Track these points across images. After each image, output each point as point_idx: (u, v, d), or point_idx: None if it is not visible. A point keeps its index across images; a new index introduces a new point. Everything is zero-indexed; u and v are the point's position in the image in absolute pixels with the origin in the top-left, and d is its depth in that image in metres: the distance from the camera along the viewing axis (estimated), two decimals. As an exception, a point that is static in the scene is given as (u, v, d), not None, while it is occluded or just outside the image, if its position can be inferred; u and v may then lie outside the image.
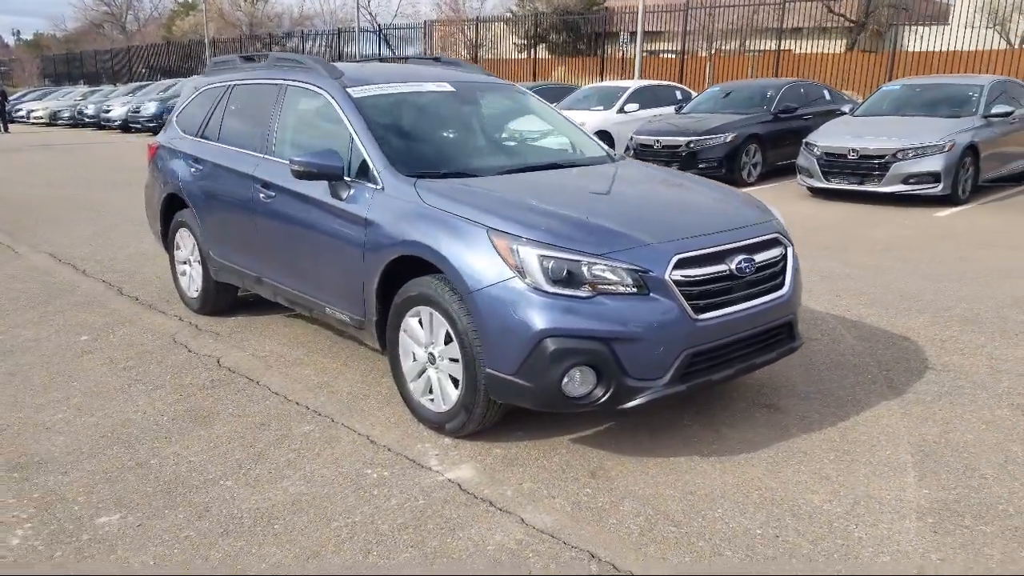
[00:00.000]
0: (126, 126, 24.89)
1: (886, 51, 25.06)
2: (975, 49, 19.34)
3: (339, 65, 4.44)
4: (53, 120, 30.15)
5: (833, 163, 9.62)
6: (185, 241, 5.35)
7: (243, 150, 4.66)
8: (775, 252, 3.49)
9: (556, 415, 3.57)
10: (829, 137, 9.89)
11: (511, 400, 3.19)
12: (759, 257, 3.37)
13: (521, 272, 3.06)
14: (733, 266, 3.24)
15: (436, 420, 3.51)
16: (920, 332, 4.84)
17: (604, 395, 3.06)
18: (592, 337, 2.99)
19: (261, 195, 4.38)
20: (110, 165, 15.37)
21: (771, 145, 11.75)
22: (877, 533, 2.75)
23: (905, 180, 9.13)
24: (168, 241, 5.56)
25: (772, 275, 3.46)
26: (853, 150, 9.42)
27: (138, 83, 31.77)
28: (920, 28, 23.28)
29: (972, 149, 9.31)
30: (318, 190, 3.96)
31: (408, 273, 3.57)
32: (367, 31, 33.87)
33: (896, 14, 28.44)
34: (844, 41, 28.65)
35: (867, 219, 8.71)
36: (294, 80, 4.47)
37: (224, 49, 38.87)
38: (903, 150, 9.11)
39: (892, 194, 9.28)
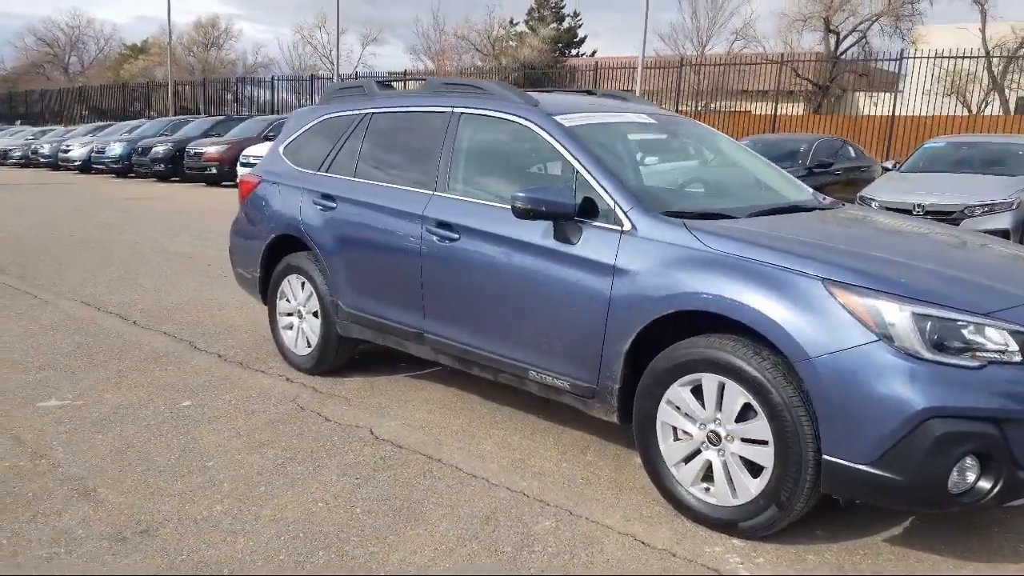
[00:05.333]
0: (87, 167, 23.63)
1: (843, 115, 25.75)
2: (933, 115, 19.78)
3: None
4: (2, 159, 28.52)
5: (893, 219, 9.35)
6: (295, 289, 4.60)
7: (402, 186, 3.99)
8: None
9: (840, 506, 2.96)
10: (887, 192, 9.65)
11: (859, 496, 2.57)
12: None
13: (887, 336, 2.47)
14: (1113, 332, 2.71)
15: (720, 516, 2.84)
16: None
17: (991, 490, 2.46)
18: (986, 418, 2.40)
19: (435, 237, 3.71)
20: (90, 204, 14.27)
21: (807, 200, 11.52)
22: None
23: (973, 237, 8.90)
24: (268, 289, 4.80)
25: None
26: (919, 205, 9.16)
27: (97, 123, 30.45)
28: (879, 94, 24.13)
29: (1034, 207, 9.19)
30: (533, 233, 3.32)
31: (665, 331, 2.95)
32: (343, 78, 33.35)
33: (858, 80, 29.67)
34: (805, 104, 29.68)
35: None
36: (471, 108, 3.85)
37: (183, 93, 37.75)
38: (971, 207, 8.90)
39: (957, 251, 9.04)
